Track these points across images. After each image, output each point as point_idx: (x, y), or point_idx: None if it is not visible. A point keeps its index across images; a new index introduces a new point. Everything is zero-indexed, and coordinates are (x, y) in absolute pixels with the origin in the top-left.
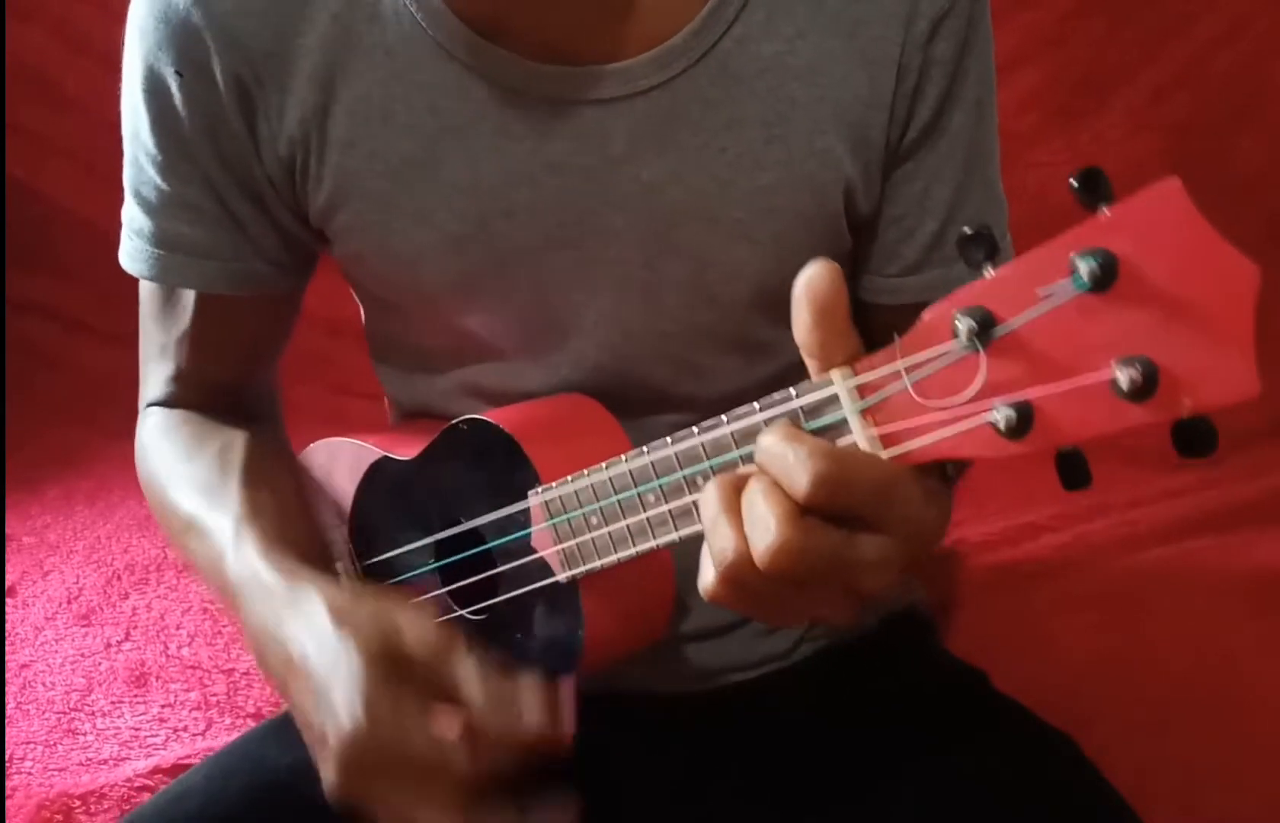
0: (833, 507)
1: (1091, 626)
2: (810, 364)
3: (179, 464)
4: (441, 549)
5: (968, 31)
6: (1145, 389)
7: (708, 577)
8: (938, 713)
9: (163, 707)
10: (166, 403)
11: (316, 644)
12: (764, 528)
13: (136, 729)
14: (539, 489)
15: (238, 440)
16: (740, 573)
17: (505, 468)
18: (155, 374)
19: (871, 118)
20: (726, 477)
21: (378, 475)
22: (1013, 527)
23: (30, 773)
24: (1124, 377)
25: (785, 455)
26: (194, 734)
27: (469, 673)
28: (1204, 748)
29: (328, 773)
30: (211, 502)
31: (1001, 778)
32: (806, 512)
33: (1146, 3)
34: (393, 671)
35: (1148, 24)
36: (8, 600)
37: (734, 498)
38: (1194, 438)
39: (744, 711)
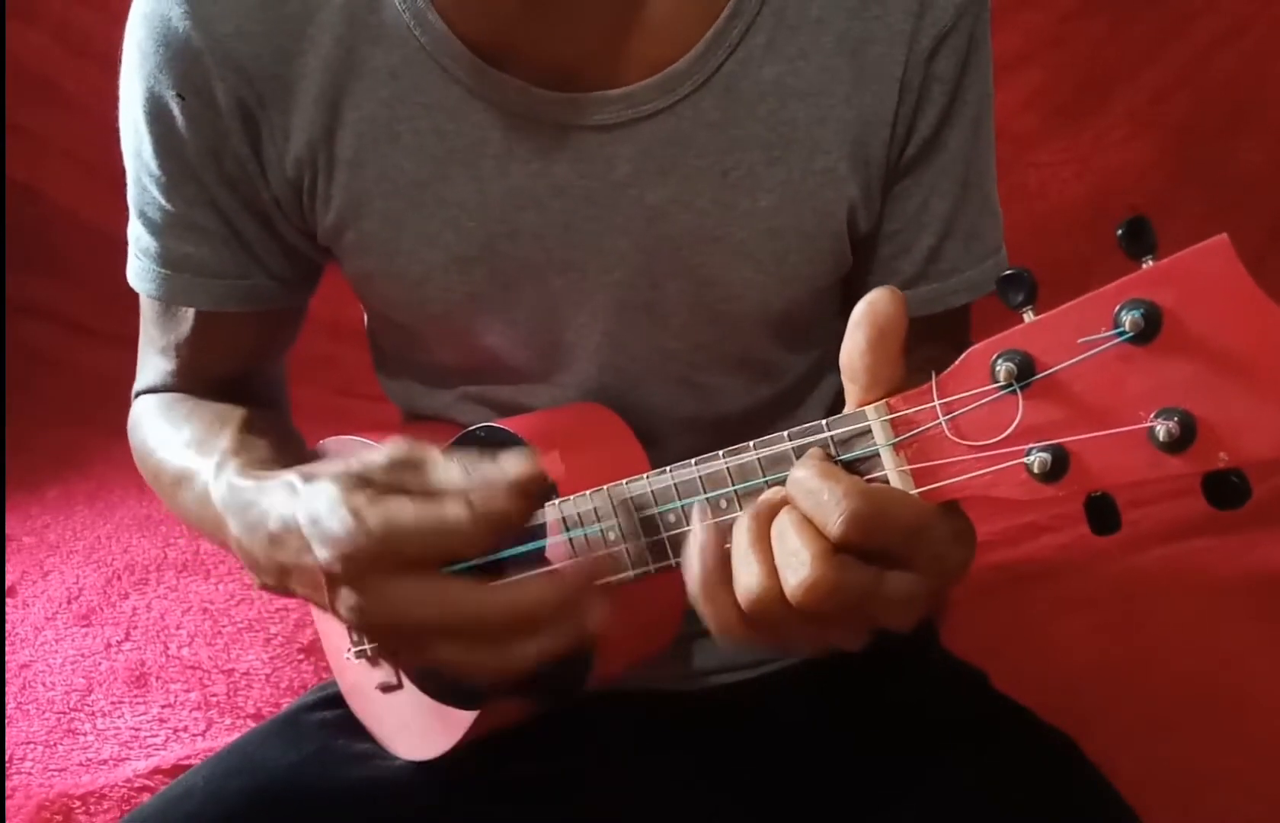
0: (866, 546)
1: (1091, 626)
2: (851, 390)
3: (176, 429)
4: None
5: (969, 49)
6: (1183, 441)
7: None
8: (938, 713)
9: (163, 707)
10: (164, 391)
11: (291, 502)
12: (798, 563)
13: (136, 729)
14: (556, 502)
15: (235, 407)
16: (766, 609)
17: None
18: (154, 368)
19: (873, 136)
20: (760, 509)
21: None
22: (1013, 527)
23: (30, 773)
24: (1162, 428)
25: (820, 492)
26: (194, 734)
27: (436, 459)
28: (1204, 749)
29: (346, 604)
30: (201, 450)
31: (1001, 779)
32: (839, 549)
33: (1147, 3)
34: (366, 481)
35: (1149, 25)
36: (8, 600)
37: (765, 532)
38: (1226, 491)
39: (744, 709)
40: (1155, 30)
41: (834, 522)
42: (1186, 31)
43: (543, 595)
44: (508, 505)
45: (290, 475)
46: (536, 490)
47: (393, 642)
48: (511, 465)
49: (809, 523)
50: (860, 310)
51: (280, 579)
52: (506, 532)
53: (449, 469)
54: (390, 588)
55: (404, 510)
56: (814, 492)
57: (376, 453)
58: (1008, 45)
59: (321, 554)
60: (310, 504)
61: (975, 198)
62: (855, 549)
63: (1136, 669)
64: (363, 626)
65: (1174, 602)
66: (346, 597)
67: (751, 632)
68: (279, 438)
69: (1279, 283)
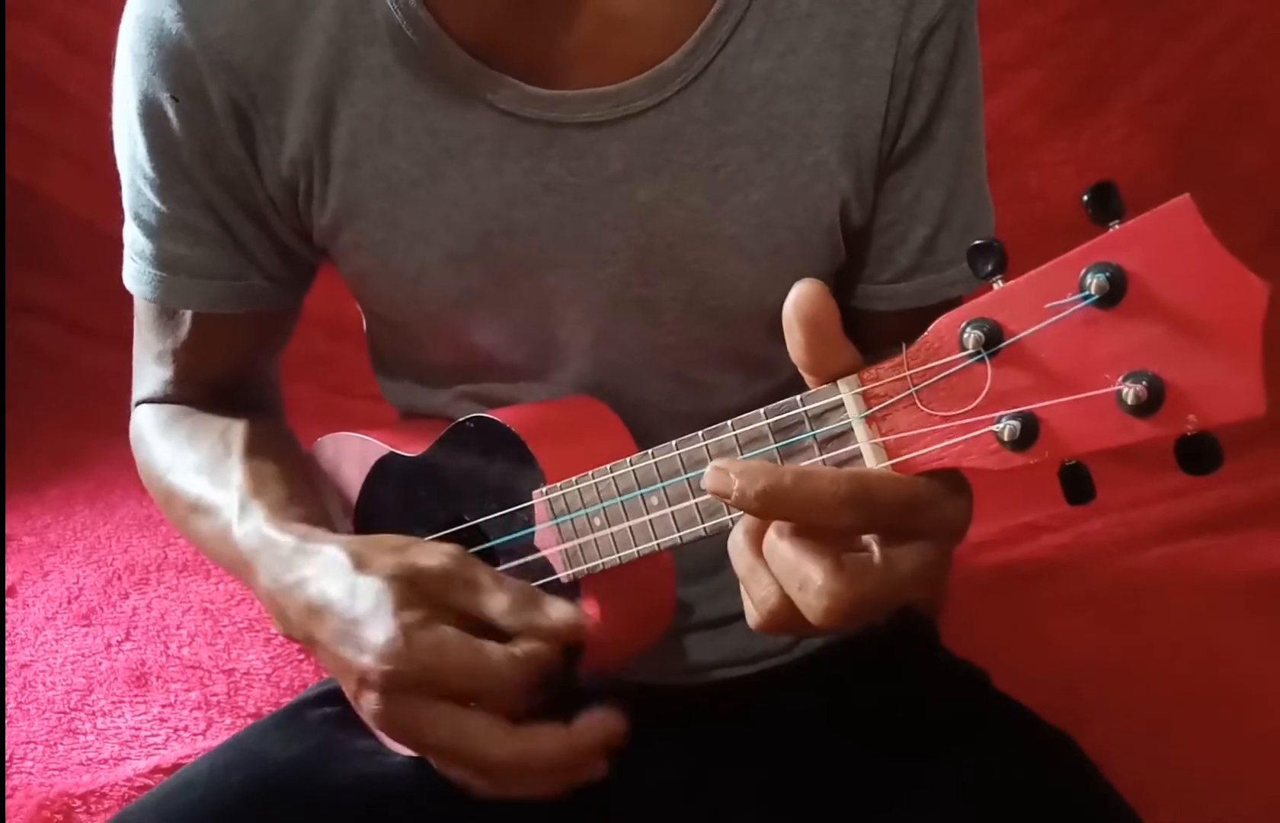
0: (869, 529)
1: (1091, 625)
2: (810, 381)
3: (180, 452)
4: None
5: (957, 41)
6: (1151, 404)
7: (754, 618)
8: (938, 713)
9: (163, 707)
10: (163, 400)
11: (338, 585)
12: (813, 592)
13: (136, 729)
14: (544, 488)
15: (237, 423)
16: (788, 616)
17: (511, 466)
18: (151, 375)
19: (864, 129)
20: (751, 524)
21: (383, 471)
22: (1012, 527)
23: (30, 773)
24: (1130, 391)
25: (816, 494)
26: (194, 734)
27: (488, 582)
28: (1204, 748)
29: (369, 703)
30: (215, 479)
31: (1001, 778)
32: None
33: (1147, 4)
34: (418, 593)
35: (1148, 25)
36: (8, 600)
37: (760, 545)
38: (1198, 455)
39: (743, 706)
40: (1155, 30)
41: (840, 512)
42: (1186, 31)
43: (553, 754)
44: (548, 659)
45: (336, 549)
46: (572, 634)
47: (402, 741)
48: (558, 614)
49: (803, 540)
50: (788, 310)
51: (307, 644)
52: (540, 682)
53: (499, 600)
54: (414, 707)
55: (451, 644)
56: (811, 493)
57: (431, 557)
58: (1008, 45)
59: (360, 658)
60: (358, 602)
61: (968, 188)
62: (860, 532)
63: (1136, 669)
64: (377, 725)
65: (1173, 601)
66: (371, 700)
67: (782, 631)
68: (283, 454)
69: (1278, 282)
